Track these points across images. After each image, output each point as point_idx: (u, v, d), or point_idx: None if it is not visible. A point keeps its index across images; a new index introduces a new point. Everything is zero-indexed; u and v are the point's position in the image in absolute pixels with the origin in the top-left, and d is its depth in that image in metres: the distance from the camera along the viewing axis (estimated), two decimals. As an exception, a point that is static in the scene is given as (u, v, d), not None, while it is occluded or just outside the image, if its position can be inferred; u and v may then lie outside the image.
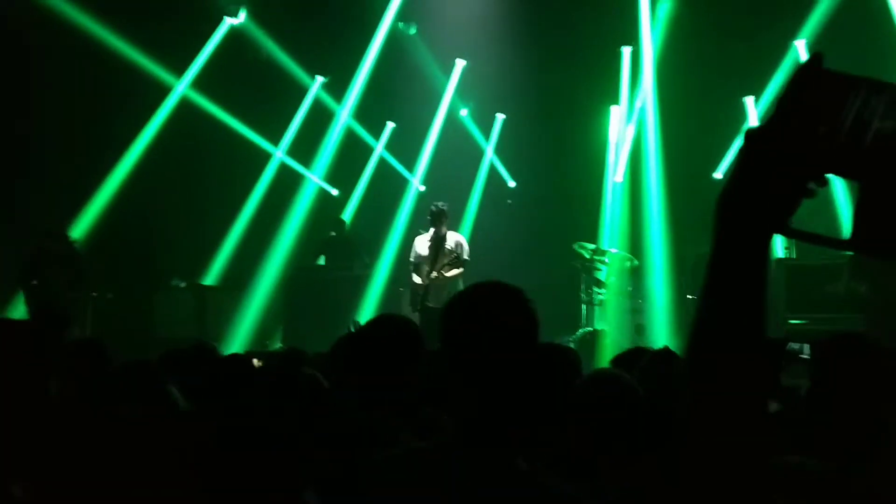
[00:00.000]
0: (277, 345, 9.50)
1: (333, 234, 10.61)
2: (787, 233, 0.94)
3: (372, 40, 11.39)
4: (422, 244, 8.49)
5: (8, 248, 9.04)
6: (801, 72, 0.93)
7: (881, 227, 0.88)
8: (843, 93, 0.90)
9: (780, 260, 9.30)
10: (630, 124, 11.80)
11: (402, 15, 11.23)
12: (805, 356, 2.77)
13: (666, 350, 3.10)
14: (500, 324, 1.87)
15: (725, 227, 0.95)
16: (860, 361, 2.36)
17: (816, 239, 0.97)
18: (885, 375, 2.40)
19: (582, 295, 9.85)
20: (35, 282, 8.78)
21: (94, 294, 9.44)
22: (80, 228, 10.03)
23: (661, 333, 9.50)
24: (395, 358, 2.51)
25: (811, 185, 0.93)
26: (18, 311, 9.17)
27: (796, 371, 2.82)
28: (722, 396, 0.92)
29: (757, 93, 11.29)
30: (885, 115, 0.88)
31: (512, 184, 12.64)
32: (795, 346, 2.87)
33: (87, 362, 3.53)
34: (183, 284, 10.54)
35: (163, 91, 10.83)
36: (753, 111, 11.37)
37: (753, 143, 0.93)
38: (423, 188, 12.22)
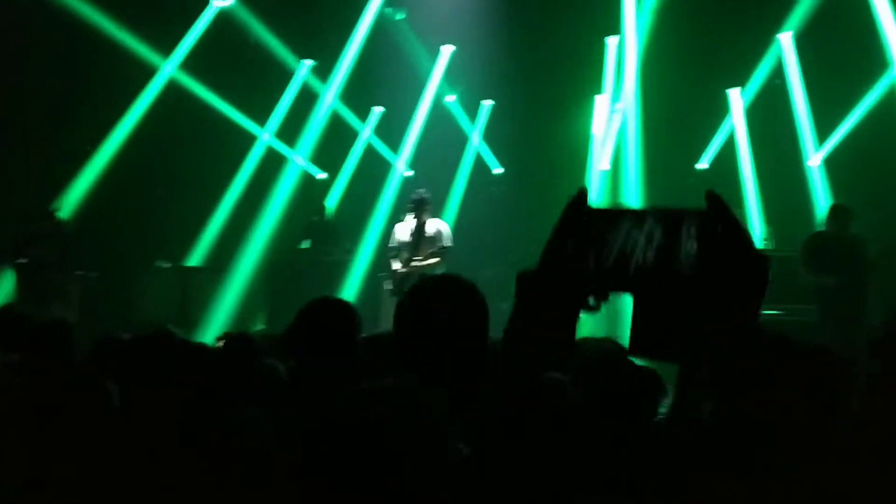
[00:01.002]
0: (260, 326, 9.58)
1: (316, 218, 10.68)
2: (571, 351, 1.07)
3: (359, 24, 11.40)
4: (402, 230, 8.56)
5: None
6: (570, 210, 1.05)
7: (650, 337, 1.02)
8: (608, 227, 1.03)
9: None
10: (615, 114, 11.88)
11: (389, 0, 11.26)
12: None
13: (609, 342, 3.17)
14: (446, 318, 1.99)
15: (507, 358, 1.10)
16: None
17: None
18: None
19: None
20: (23, 260, 8.80)
21: (80, 273, 9.42)
22: (64, 208, 10.06)
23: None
24: (348, 342, 2.60)
25: (592, 302, 1.06)
26: (4, 289, 9.24)
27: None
28: None
29: (741, 84, 11.37)
30: (645, 248, 1.01)
31: (497, 170, 12.71)
32: None
33: (48, 347, 3.54)
34: (167, 266, 10.60)
35: (149, 72, 10.83)
36: (738, 102, 11.45)
37: (525, 285, 1.06)
38: (409, 173, 12.28)
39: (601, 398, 2.55)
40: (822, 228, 8.11)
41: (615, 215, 1.05)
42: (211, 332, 8.72)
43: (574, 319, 1.08)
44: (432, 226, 8.52)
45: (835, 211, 7.98)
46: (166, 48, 10.86)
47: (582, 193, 1.05)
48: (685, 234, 1.02)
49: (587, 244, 1.04)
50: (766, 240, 9.81)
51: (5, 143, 9.93)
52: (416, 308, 2.02)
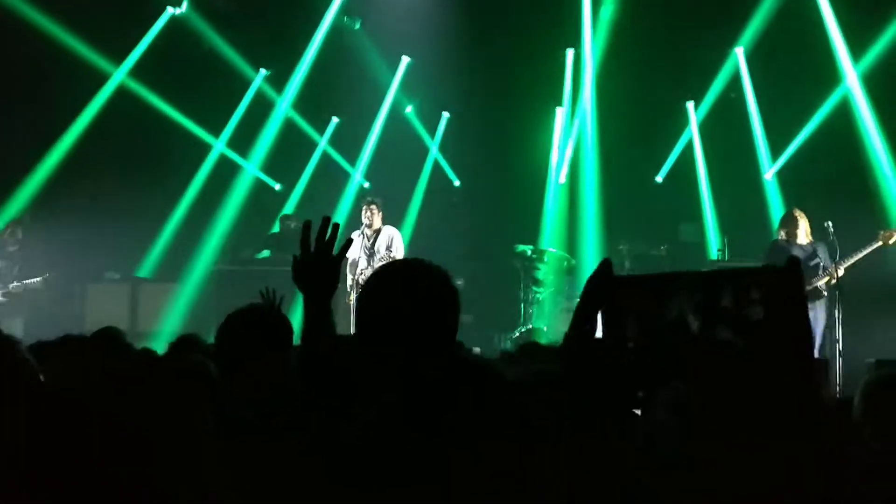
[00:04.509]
0: (212, 339, 9.34)
1: (277, 230, 10.57)
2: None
3: (316, 33, 11.29)
4: (354, 238, 8.57)
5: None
6: (594, 286, 0.90)
7: (713, 420, 0.86)
8: (651, 300, 0.87)
9: (712, 261, 9.49)
10: (573, 127, 11.88)
11: (347, 9, 11.16)
12: None
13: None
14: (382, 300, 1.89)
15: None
16: None
17: None
18: None
19: (520, 294, 9.91)
20: None
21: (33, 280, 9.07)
22: (9, 216, 9.79)
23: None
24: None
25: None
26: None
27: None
28: None
29: (697, 97, 11.45)
30: (706, 317, 0.84)
31: (457, 183, 12.64)
32: None
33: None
34: (117, 276, 10.36)
35: (100, 79, 10.62)
36: (693, 116, 11.54)
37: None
38: (366, 184, 12.17)
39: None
40: (776, 237, 8.13)
41: (658, 284, 0.87)
42: (160, 343, 8.49)
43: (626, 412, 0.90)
44: (385, 234, 8.50)
45: (786, 217, 8.04)
46: (118, 54, 10.66)
47: (606, 266, 0.88)
48: (750, 299, 0.85)
49: (620, 323, 0.85)
50: (720, 250, 9.86)
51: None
52: (380, 293, 1.90)
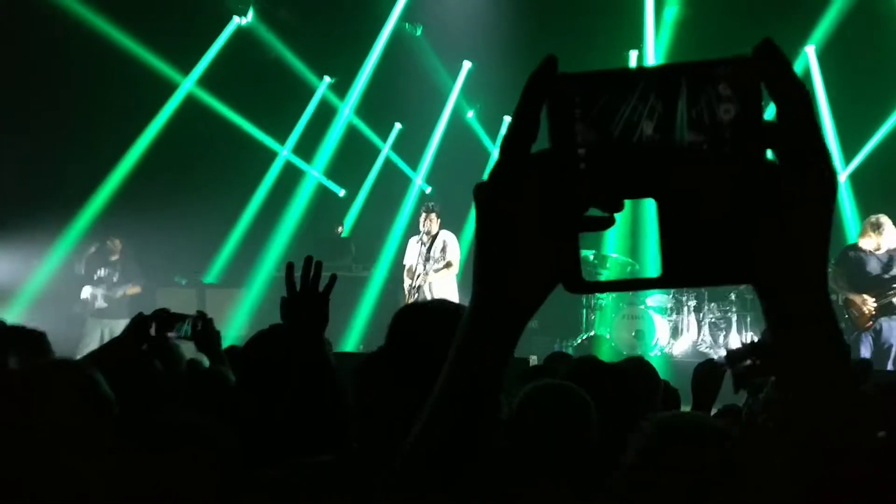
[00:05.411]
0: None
1: (327, 235, 10.67)
2: (579, 288, 0.73)
3: (378, 41, 11.37)
4: (413, 247, 8.61)
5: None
6: (534, 84, 0.75)
7: (686, 253, 0.72)
8: (599, 96, 0.73)
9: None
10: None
11: (409, 15, 11.21)
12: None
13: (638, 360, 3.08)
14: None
15: (481, 306, 0.74)
16: None
17: (619, 286, 0.81)
18: None
19: (583, 300, 9.78)
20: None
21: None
22: (82, 223, 10.10)
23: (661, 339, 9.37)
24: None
25: (598, 216, 0.75)
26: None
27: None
28: None
29: (766, 100, 11.11)
30: (668, 121, 0.70)
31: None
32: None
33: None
34: (184, 282, 10.60)
35: (168, 88, 10.87)
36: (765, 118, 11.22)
37: (493, 198, 0.71)
38: (427, 189, 12.20)
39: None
40: (847, 244, 7.76)
41: (611, 79, 0.71)
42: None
43: (572, 241, 0.72)
44: (440, 239, 8.52)
45: (874, 223, 7.37)
46: (185, 64, 10.90)
47: (550, 60, 0.73)
48: (719, 95, 0.67)
49: (569, 124, 0.69)
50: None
51: (25, 159, 9.98)
52: (402, 329, 1.94)
